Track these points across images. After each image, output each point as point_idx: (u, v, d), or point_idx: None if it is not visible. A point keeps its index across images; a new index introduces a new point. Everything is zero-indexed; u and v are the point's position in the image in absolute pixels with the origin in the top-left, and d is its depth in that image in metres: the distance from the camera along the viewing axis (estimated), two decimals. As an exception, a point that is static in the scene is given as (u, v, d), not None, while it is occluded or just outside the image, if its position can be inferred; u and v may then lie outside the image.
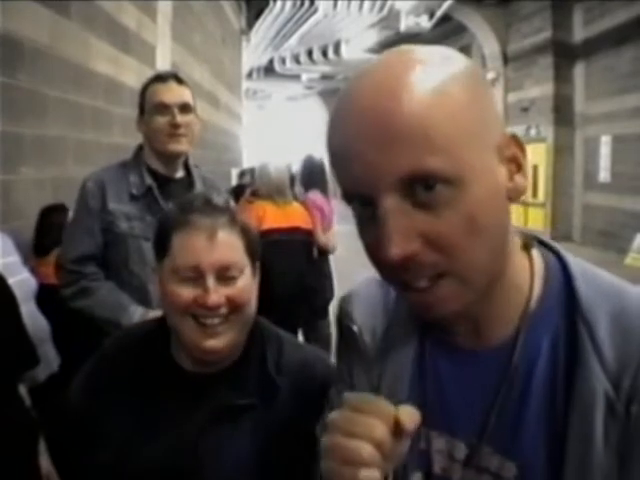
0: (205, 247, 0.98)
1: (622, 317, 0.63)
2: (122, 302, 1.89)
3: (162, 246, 1.03)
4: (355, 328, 0.78)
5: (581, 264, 0.69)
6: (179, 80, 2.01)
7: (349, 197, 0.61)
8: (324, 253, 4.02)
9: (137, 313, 1.85)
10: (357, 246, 0.65)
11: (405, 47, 0.62)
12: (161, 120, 1.94)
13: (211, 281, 0.98)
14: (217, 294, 0.97)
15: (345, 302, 0.83)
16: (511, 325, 0.68)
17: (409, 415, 0.59)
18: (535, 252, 0.70)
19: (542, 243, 0.73)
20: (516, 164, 0.63)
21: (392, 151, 0.55)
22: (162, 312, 1.09)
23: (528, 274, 0.68)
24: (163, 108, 1.94)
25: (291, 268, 3.38)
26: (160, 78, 2.02)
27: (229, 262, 0.99)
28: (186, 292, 0.98)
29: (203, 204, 1.03)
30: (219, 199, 1.05)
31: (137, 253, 1.91)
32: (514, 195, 0.63)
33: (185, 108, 1.98)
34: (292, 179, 4.22)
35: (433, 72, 0.58)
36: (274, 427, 1.01)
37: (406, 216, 0.57)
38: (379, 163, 0.56)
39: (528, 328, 0.67)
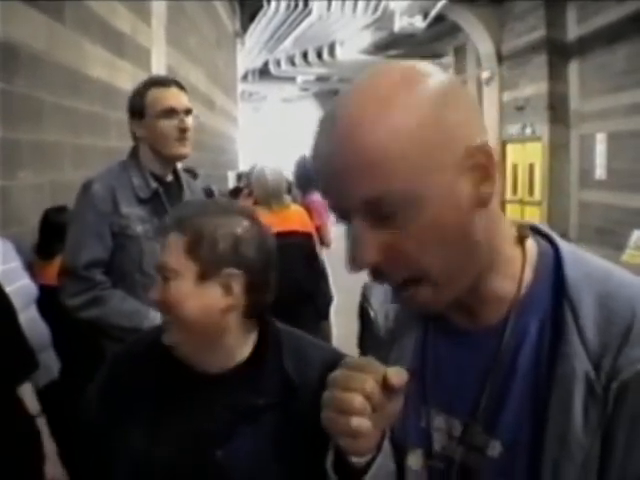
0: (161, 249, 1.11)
1: (607, 299, 0.66)
2: (140, 309, 1.88)
3: None
4: (372, 312, 0.86)
5: (573, 250, 0.73)
6: (179, 85, 2.05)
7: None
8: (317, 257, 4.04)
9: (157, 318, 1.80)
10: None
11: (375, 72, 0.66)
12: (169, 125, 1.97)
13: (159, 278, 1.08)
14: (156, 290, 1.07)
15: (366, 289, 0.90)
16: (503, 310, 0.72)
17: (397, 373, 0.67)
18: (530, 241, 0.75)
19: (538, 231, 0.77)
20: (482, 172, 0.65)
21: (351, 181, 0.63)
22: None
23: (520, 263, 0.73)
24: (171, 113, 1.97)
25: (287, 272, 3.38)
26: (161, 83, 2.04)
27: (163, 263, 1.07)
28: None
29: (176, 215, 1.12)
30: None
31: (151, 255, 1.90)
32: (481, 203, 0.66)
33: (189, 112, 2.02)
34: (289, 184, 4.25)
35: (388, 108, 0.62)
36: (296, 428, 1.02)
37: (371, 232, 0.64)
38: (343, 189, 0.64)
39: (517, 312, 0.71)
